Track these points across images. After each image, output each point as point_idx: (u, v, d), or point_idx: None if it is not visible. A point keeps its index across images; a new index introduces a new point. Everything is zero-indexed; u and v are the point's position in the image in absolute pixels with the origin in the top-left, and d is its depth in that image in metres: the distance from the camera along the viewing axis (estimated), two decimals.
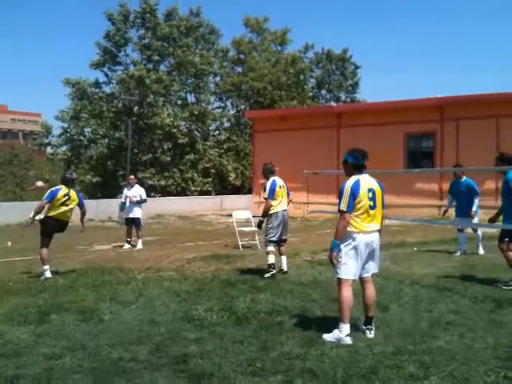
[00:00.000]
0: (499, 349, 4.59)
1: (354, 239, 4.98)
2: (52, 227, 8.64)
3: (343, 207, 4.93)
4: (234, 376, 4.08)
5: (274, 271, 8.18)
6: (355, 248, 4.98)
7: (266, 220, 8.49)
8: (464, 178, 10.13)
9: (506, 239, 7.32)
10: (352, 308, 5.07)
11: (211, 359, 4.45)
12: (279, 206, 8.40)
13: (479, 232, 10.17)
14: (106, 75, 34.60)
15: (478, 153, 17.19)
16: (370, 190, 5.03)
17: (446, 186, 18.52)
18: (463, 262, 9.29)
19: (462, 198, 10.05)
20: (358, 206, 4.97)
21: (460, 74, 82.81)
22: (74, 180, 9.13)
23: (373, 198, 5.04)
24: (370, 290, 5.16)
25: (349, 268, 4.98)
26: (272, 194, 8.33)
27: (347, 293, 4.97)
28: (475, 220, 9.97)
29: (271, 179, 8.53)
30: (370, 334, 5.02)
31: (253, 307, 6.12)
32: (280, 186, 8.47)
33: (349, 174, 5.14)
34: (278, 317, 5.74)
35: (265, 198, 8.40)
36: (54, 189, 8.77)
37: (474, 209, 9.77)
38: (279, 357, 4.48)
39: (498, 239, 7.55)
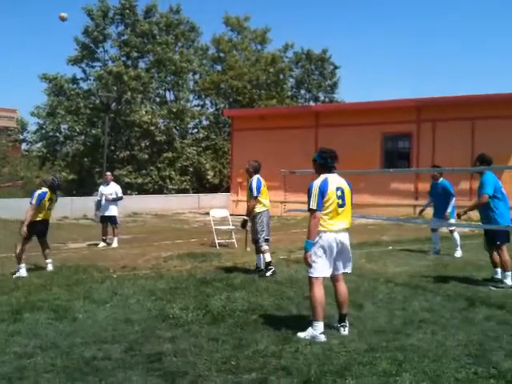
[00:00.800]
0: (470, 346, 4.66)
1: (321, 238, 5.02)
2: (38, 230, 8.58)
3: (313, 206, 4.99)
4: (209, 374, 4.07)
5: (274, 268, 8.15)
6: (323, 247, 5.02)
7: (252, 219, 8.39)
8: (441, 179, 10.24)
9: (498, 243, 7.33)
10: (325, 306, 5.11)
11: (186, 357, 4.44)
12: (265, 204, 8.34)
13: (456, 234, 10.15)
14: (84, 71, 34.22)
15: (454, 154, 17.47)
16: (338, 189, 5.09)
17: (421, 186, 18.85)
18: (437, 261, 9.42)
19: (438, 200, 10.19)
20: (327, 204, 5.03)
21: (437, 76, 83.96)
22: (60, 186, 8.97)
23: (341, 197, 5.10)
24: (342, 288, 5.20)
25: (319, 266, 5.03)
26: (258, 193, 8.24)
27: (318, 291, 5.02)
28: (451, 221, 10.08)
29: (256, 177, 8.40)
30: (344, 331, 5.05)
31: (228, 305, 6.12)
32: (264, 185, 8.40)
33: (318, 173, 5.22)
34: (253, 315, 5.75)
35: (254, 197, 8.23)
36: (40, 192, 8.56)
37: (448, 210, 9.89)
38: (254, 354, 4.49)
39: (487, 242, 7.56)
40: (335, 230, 5.05)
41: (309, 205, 5.01)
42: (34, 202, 8.41)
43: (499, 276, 7.44)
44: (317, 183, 5.08)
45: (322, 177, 5.13)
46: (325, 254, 5.04)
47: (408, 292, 6.86)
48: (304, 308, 5.97)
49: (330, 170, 5.18)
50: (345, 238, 5.14)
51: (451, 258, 9.74)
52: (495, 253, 7.42)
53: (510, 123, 17.52)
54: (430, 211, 10.95)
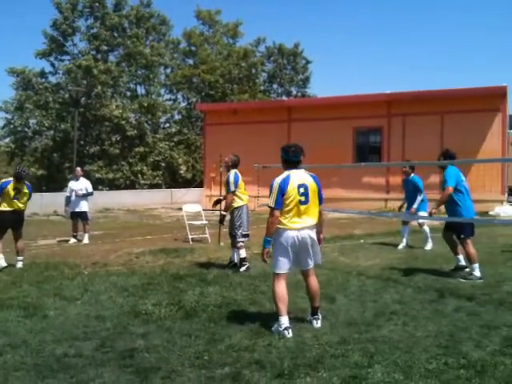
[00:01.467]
0: (440, 337, 4.75)
1: (281, 235, 5.02)
2: (8, 220, 8.54)
3: (271, 204, 5.00)
4: (182, 369, 4.06)
5: (248, 264, 8.13)
6: (283, 243, 5.01)
7: (230, 214, 8.32)
8: (412, 175, 10.34)
9: (462, 236, 7.47)
10: (299, 299, 5.15)
11: (158, 353, 4.41)
12: (243, 199, 8.27)
13: (426, 227, 10.33)
14: (53, 65, 33.69)
15: (424, 148, 17.74)
16: (301, 186, 4.99)
17: (392, 180, 19.12)
18: (407, 254, 9.56)
19: (409, 195, 10.32)
20: (287, 201, 4.97)
21: (408, 71, 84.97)
22: (23, 175, 8.83)
23: (304, 194, 5.00)
24: (312, 282, 5.17)
25: (279, 263, 5.04)
26: (235, 187, 8.14)
27: (279, 287, 5.02)
28: (421, 214, 10.21)
29: (233, 171, 8.28)
30: (317, 324, 5.08)
31: (202, 300, 6.10)
32: (241, 179, 8.31)
33: (284, 169, 5.18)
34: (226, 309, 5.75)
35: (231, 192, 8.11)
36: (4, 180, 8.69)
37: (414, 206, 10.02)
38: (227, 349, 4.49)
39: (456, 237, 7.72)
40: (297, 227, 4.99)
41: (269, 202, 5.03)
42: None
43: (463, 262, 7.62)
44: (277, 180, 5.03)
45: (285, 174, 5.07)
46: (285, 251, 5.01)
47: (379, 284, 6.94)
48: None
49: (294, 165, 5.11)
50: (308, 234, 5.03)
51: (422, 251, 9.89)
52: (460, 245, 7.58)
53: (479, 117, 17.88)
54: None
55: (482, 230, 12.10)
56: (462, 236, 7.45)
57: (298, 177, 5.05)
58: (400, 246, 10.36)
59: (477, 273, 7.24)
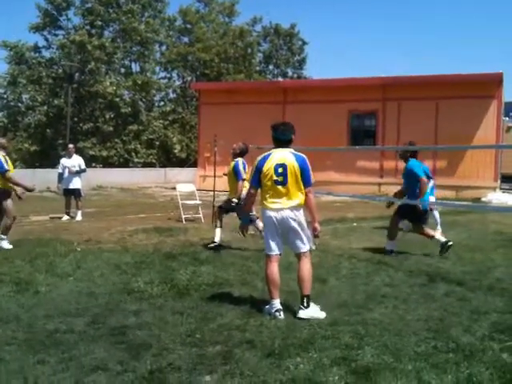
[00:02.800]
0: (430, 321, 4.79)
1: (263, 215, 5.02)
2: None
3: (248, 180, 5.07)
4: (173, 347, 4.08)
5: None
6: (266, 224, 5.01)
7: (237, 199, 8.21)
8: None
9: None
10: (291, 281, 5.15)
11: (150, 330, 4.43)
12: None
13: (436, 212, 10.12)
14: (46, 39, 33.28)
15: (418, 133, 17.72)
16: (280, 166, 4.86)
17: (386, 164, 19.14)
18: (399, 238, 9.59)
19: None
20: (264, 181, 4.92)
21: (404, 55, 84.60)
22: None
23: (282, 174, 4.85)
24: (301, 267, 4.99)
25: (268, 244, 5.02)
26: (245, 174, 8.02)
27: (270, 269, 4.99)
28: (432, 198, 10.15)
29: (241, 160, 8.33)
30: (299, 314, 4.83)
31: (194, 279, 6.12)
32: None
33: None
34: (219, 289, 5.77)
35: (242, 179, 8.05)
36: None
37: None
38: (219, 328, 4.51)
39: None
40: (274, 208, 4.90)
41: None
42: None
43: (443, 239, 7.98)
44: (257, 158, 5.01)
45: (267, 152, 5.00)
46: (270, 232, 4.98)
47: (371, 268, 6.99)
48: None
49: (281, 144, 5.00)
50: (289, 216, 4.87)
51: (413, 235, 9.92)
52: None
53: (474, 104, 17.86)
54: None
55: (474, 217, 12.22)
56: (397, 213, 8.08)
57: (280, 156, 4.92)
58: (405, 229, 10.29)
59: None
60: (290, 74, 42.47)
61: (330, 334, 4.37)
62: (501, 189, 19.04)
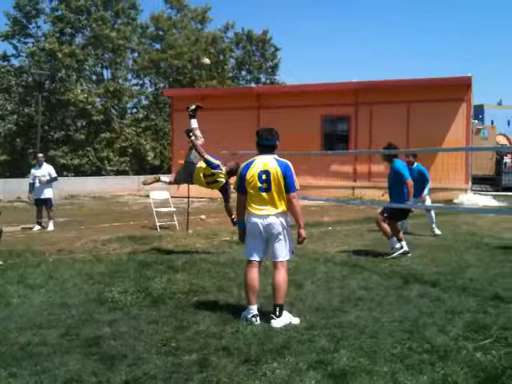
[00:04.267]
0: (405, 322, 4.83)
1: (247, 221, 5.01)
2: None
3: (234, 188, 5.11)
4: (148, 356, 4.03)
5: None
6: (249, 229, 4.99)
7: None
8: (416, 164, 10.24)
9: (385, 214, 8.30)
10: (267, 287, 5.14)
11: (125, 340, 4.37)
12: None
13: (432, 213, 10.37)
14: (15, 47, 32.73)
15: (390, 136, 17.88)
16: (263, 172, 4.86)
17: (360, 168, 19.32)
18: (374, 241, 9.68)
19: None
20: (249, 187, 4.94)
21: (375, 60, 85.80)
22: None
23: (266, 181, 4.85)
24: (276, 276, 4.90)
25: (248, 249, 5.03)
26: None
27: (249, 275, 4.95)
28: (427, 202, 10.38)
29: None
30: (271, 323, 4.73)
31: (169, 288, 6.07)
32: None
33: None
34: (194, 297, 5.73)
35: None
36: None
37: (425, 192, 10.25)
38: (194, 336, 4.48)
39: (379, 212, 8.49)
40: (259, 214, 4.90)
41: None
42: None
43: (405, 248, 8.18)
44: (241, 166, 5.05)
45: (251, 159, 5.00)
46: (252, 237, 4.97)
47: (346, 271, 7.03)
48: None
49: (264, 150, 5.00)
50: (273, 222, 4.87)
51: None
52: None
53: (444, 107, 18.17)
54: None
55: (447, 218, 12.40)
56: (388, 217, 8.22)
57: (262, 163, 4.91)
58: (437, 232, 10.38)
59: (397, 245, 8.10)
60: (263, 79, 42.58)
61: (307, 338, 4.37)
62: (472, 190, 19.37)
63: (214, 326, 4.72)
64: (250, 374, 3.72)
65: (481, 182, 22.76)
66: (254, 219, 4.92)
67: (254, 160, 4.98)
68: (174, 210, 11.92)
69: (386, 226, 8.27)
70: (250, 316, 4.83)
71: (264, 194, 4.88)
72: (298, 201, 5.01)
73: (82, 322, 4.90)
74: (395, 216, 8.38)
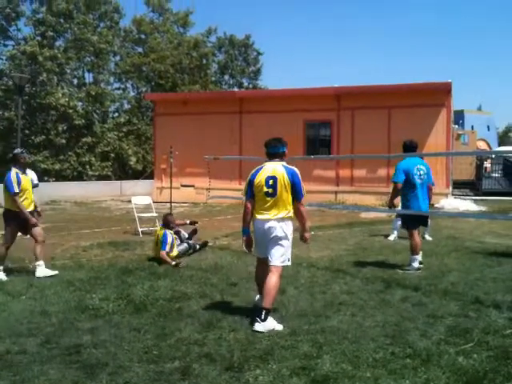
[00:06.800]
0: (387, 327, 4.86)
1: (253, 223, 5.19)
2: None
3: (243, 194, 5.26)
4: (130, 364, 3.99)
5: None
6: (256, 232, 5.19)
7: None
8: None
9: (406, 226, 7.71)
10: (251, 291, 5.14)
11: (106, 348, 4.32)
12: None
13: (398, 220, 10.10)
14: None
15: (372, 141, 18.11)
16: (271, 178, 5.06)
17: (342, 173, 19.41)
18: (356, 246, 9.74)
19: None
20: (257, 192, 5.13)
21: (356, 66, 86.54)
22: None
23: (272, 186, 5.04)
24: (268, 280, 5.00)
25: (255, 248, 5.29)
26: None
27: (256, 270, 5.41)
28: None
29: (168, 232, 8.44)
30: (254, 326, 4.78)
31: (151, 294, 6.02)
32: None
33: None
34: (177, 303, 5.69)
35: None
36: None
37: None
38: (177, 343, 4.45)
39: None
40: (263, 218, 5.08)
41: None
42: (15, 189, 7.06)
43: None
44: (250, 173, 5.24)
45: (260, 165, 5.25)
46: (257, 238, 5.20)
47: (329, 276, 7.05)
48: (228, 294, 6.02)
49: (272, 157, 5.23)
50: (273, 226, 5.02)
51: (369, 242, 10.09)
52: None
53: (424, 112, 18.34)
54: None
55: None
56: (407, 228, 7.64)
57: (270, 169, 5.13)
58: (391, 237, 10.39)
59: (415, 264, 7.38)
60: (245, 84, 42.65)
61: (290, 344, 4.37)
62: (452, 195, 19.57)
63: (197, 332, 4.69)
64: (232, 381, 3.70)
65: (461, 186, 23.03)
66: (258, 223, 5.13)
67: (262, 166, 5.22)
68: (157, 215, 11.84)
69: (413, 239, 7.49)
70: (256, 299, 5.36)
71: (269, 198, 5.06)
72: (305, 208, 5.25)
73: (62, 330, 4.84)
74: (406, 224, 7.82)
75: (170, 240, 8.22)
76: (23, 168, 7.37)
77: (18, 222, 7.21)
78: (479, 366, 3.91)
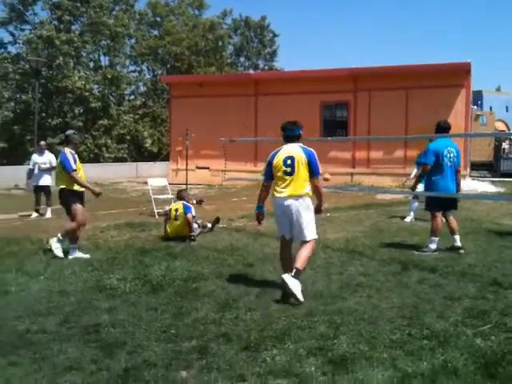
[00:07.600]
0: (404, 308, 4.83)
1: (273, 202, 5.45)
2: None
3: (262, 174, 5.56)
4: (148, 343, 4.02)
5: None
6: (276, 210, 5.44)
7: None
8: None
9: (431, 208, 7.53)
10: (265, 274, 5.22)
11: (124, 328, 4.36)
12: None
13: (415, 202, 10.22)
14: (12, 35, 32.49)
15: (389, 122, 17.91)
16: (288, 158, 5.32)
17: (358, 155, 19.28)
18: (372, 227, 9.68)
19: None
20: (275, 171, 5.39)
21: (374, 46, 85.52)
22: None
23: (290, 165, 5.30)
24: (301, 249, 5.34)
25: (277, 228, 5.54)
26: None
27: (280, 249, 5.57)
28: (419, 188, 8.87)
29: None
30: (284, 277, 5.09)
31: (168, 275, 6.05)
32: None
33: None
34: (193, 283, 5.72)
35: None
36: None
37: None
38: (194, 322, 4.47)
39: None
40: (281, 196, 5.32)
41: None
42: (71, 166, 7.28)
43: (458, 243, 7.43)
44: (269, 154, 5.48)
45: (278, 148, 5.48)
46: (277, 217, 5.45)
47: (345, 257, 7.02)
48: (244, 274, 6.02)
49: (288, 139, 5.48)
50: (293, 204, 5.28)
51: (386, 224, 10.03)
52: (448, 219, 7.56)
53: (443, 93, 18.08)
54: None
55: None
56: (430, 210, 7.55)
57: (288, 150, 5.40)
58: (407, 219, 10.33)
59: (432, 245, 7.31)
60: (261, 65, 42.39)
61: (306, 325, 4.37)
62: (470, 176, 19.35)
63: (214, 312, 4.71)
64: (249, 360, 3.71)
65: (479, 167, 22.75)
66: (277, 201, 5.38)
67: (281, 148, 5.47)
68: (172, 196, 11.87)
69: (434, 222, 7.43)
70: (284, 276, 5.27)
71: (287, 177, 5.31)
72: (321, 184, 5.56)
73: (80, 309, 4.89)
74: (429, 206, 7.66)
75: (193, 208, 8.37)
76: (74, 149, 7.60)
77: (78, 197, 7.42)
78: (497, 348, 3.87)
